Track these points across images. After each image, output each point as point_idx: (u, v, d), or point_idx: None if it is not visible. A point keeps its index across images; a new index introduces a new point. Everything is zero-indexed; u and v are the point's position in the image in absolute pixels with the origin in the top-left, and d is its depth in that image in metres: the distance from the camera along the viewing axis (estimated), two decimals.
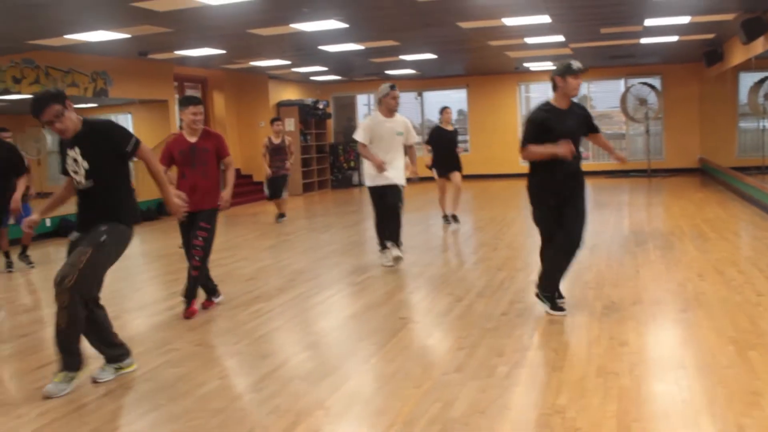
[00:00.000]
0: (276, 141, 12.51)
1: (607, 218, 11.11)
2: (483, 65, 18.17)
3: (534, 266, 7.40)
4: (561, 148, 5.36)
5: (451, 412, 3.79)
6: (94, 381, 4.58)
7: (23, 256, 9.40)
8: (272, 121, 12.74)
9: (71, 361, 4.44)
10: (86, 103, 14.52)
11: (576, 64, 5.45)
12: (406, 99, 20.53)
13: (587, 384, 4.11)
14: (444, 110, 11.26)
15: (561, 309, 5.61)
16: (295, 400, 4.14)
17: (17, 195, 8.34)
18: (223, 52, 13.11)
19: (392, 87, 7.94)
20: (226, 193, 6.27)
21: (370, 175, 7.95)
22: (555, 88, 5.52)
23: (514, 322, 5.52)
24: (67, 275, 4.27)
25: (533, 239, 9.42)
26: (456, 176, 10.95)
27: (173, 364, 4.92)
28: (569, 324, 5.38)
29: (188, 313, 6.16)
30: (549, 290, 5.67)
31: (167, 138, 12.87)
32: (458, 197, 11.07)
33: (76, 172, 4.50)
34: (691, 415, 3.60)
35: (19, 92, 11.89)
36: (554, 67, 5.55)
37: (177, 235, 6.67)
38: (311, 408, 3.99)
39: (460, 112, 21.66)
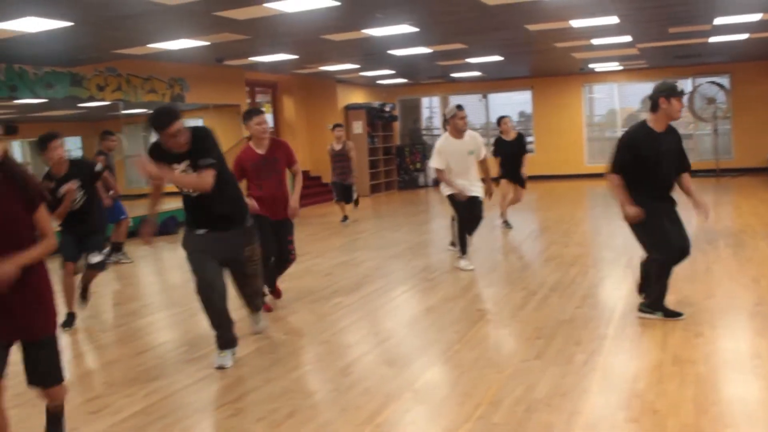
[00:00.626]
0: (337, 147, 12.84)
1: None
2: (548, 66, 18.22)
3: (605, 261, 7.53)
4: (630, 212, 5.20)
5: (534, 394, 4.01)
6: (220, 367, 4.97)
7: (120, 253, 10.01)
8: (333, 127, 13.08)
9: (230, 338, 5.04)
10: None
11: (680, 86, 5.28)
12: (471, 101, 20.71)
13: (664, 371, 4.28)
14: (501, 121, 11.18)
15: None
16: (384, 383, 4.41)
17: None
18: (296, 57, 13.49)
19: (459, 107, 7.92)
20: (294, 200, 6.41)
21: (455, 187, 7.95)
22: (655, 108, 5.23)
23: (588, 314, 5.69)
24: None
25: (602, 237, 9.57)
26: (521, 192, 10.96)
27: (266, 351, 5.24)
28: (644, 317, 5.53)
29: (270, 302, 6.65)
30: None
31: (240, 142, 13.34)
32: (512, 204, 11.06)
33: None
34: None
35: (102, 99, 12.47)
36: (657, 87, 5.28)
37: None
38: (400, 391, 4.25)
39: (522, 114, 21.75)
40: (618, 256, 7.94)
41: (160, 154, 4.69)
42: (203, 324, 5.72)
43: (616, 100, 20.46)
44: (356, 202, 13.74)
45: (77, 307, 6.52)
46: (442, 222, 8.27)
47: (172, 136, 4.55)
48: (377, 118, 19.61)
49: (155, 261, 10.60)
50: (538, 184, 18.23)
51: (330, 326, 5.88)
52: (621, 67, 18.98)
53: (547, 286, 6.85)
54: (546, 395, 3.98)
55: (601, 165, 5.90)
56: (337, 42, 11.60)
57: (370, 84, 20.21)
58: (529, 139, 19.87)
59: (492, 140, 11.58)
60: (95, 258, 6.40)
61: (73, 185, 6.14)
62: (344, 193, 12.94)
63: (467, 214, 7.90)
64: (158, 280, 9.49)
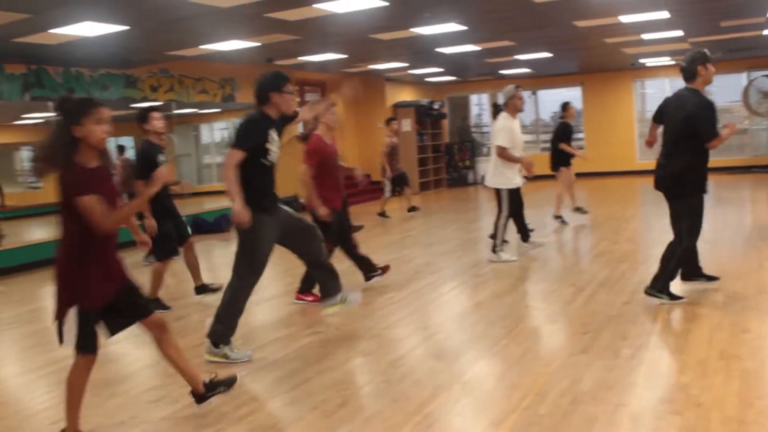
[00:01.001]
0: (395, 140, 13.14)
1: (729, 214, 11.02)
2: (598, 62, 18.11)
3: (654, 258, 7.53)
4: (731, 127, 5.57)
5: (580, 387, 4.09)
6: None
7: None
8: (389, 121, 13.33)
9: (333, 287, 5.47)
10: (213, 108, 15.40)
11: (710, 52, 5.56)
12: None
13: (709, 365, 4.32)
14: (567, 106, 11.36)
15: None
16: (433, 375, 4.53)
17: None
18: (345, 56, 13.68)
19: (517, 88, 8.22)
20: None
21: (507, 177, 8.15)
22: (694, 77, 5.52)
23: (636, 310, 5.73)
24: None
25: (653, 233, 9.53)
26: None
27: (318, 345, 5.40)
28: (691, 313, 5.55)
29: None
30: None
31: (291, 140, 13.58)
32: (567, 191, 11.23)
33: (275, 151, 5.09)
34: None
35: (155, 100, 12.80)
36: (692, 57, 5.55)
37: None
38: (449, 383, 4.37)
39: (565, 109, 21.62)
40: None
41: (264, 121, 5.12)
42: (257, 318, 5.90)
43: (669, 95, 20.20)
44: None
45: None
46: (491, 219, 8.36)
47: (289, 93, 5.18)
48: (426, 116, 19.71)
49: (207, 258, 10.86)
50: (589, 180, 18.14)
51: (381, 321, 6.02)
52: (673, 62, 18.74)
53: (596, 282, 6.89)
54: (591, 388, 4.06)
55: (653, 162, 5.93)
56: (386, 41, 11.75)
57: (419, 82, 20.31)
58: (579, 135, 19.77)
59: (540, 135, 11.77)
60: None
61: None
62: (405, 181, 13.52)
63: (518, 202, 8.29)
64: (211, 276, 9.74)
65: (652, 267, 6.83)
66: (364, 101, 19.06)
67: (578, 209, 11.40)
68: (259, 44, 11.23)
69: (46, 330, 6.29)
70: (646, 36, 13.33)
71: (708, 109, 5.44)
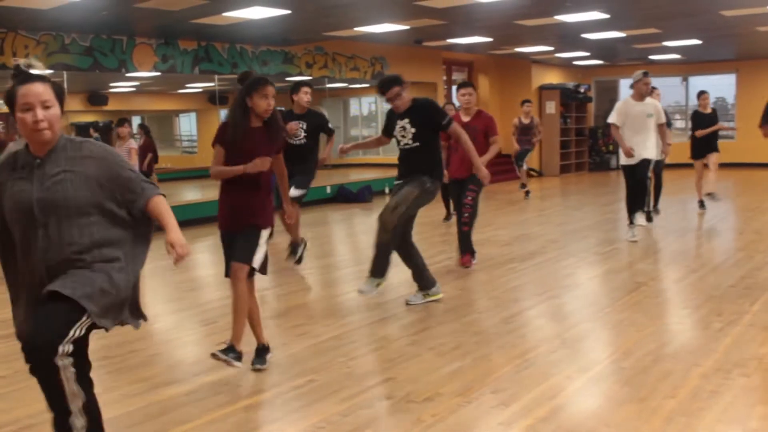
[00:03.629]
0: (525, 121, 13.65)
1: None
2: (754, 50, 17.70)
3: None
4: None
5: (664, 350, 4.65)
6: (407, 303, 6.05)
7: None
8: (522, 103, 13.88)
9: (377, 270, 5.95)
10: (364, 83, 16.35)
11: None
12: (671, 83, 20.46)
13: None
14: (702, 95, 11.52)
15: None
16: (537, 331, 5.21)
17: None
18: (490, 39, 14.24)
19: (645, 74, 8.72)
20: (482, 159, 6.88)
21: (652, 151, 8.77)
22: None
23: (740, 292, 6.11)
24: (399, 205, 5.72)
25: None
26: (712, 156, 11.18)
27: (441, 302, 6.15)
28: None
29: (463, 262, 7.45)
30: None
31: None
32: (714, 176, 11.27)
33: (404, 136, 5.91)
34: None
35: (310, 75, 13.81)
36: None
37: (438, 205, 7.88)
38: (550, 338, 5.03)
39: (720, 99, 21.19)
40: None
41: (391, 114, 6.04)
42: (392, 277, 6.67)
43: None
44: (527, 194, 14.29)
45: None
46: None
47: (390, 99, 5.86)
48: (571, 99, 19.91)
49: (349, 225, 11.83)
50: (737, 171, 17.87)
51: (500, 286, 6.70)
52: None
53: (710, 266, 7.28)
54: (674, 351, 4.61)
55: None
56: (530, 27, 12.22)
57: (566, 65, 20.49)
58: (730, 124, 19.41)
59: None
60: (296, 192, 7.49)
61: (298, 124, 7.60)
62: (521, 157, 14.03)
63: (632, 179, 8.71)
64: (351, 241, 10.67)
65: None
66: (509, 83, 19.50)
67: (701, 202, 11.38)
68: (408, 27, 11.99)
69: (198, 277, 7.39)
70: None
71: None
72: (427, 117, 5.87)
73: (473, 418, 3.69)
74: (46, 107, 2.81)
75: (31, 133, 2.83)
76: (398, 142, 6.01)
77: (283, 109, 7.63)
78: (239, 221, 4.50)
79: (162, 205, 3.08)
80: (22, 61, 2.90)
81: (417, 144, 5.87)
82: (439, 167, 5.97)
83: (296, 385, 4.28)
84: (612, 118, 8.72)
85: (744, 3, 10.51)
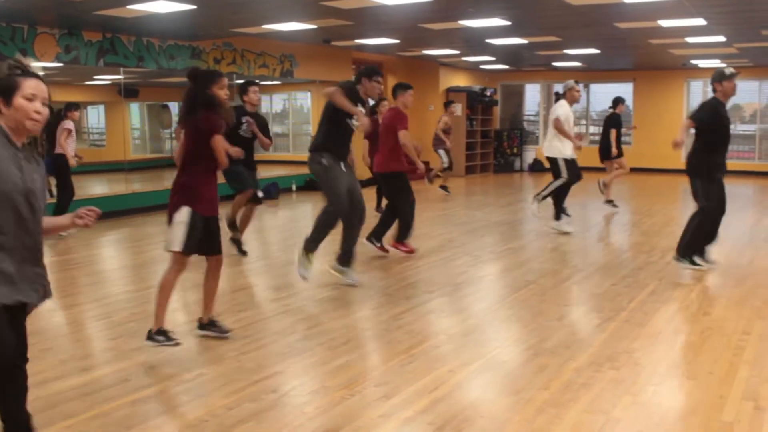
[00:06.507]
0: (450, 122, 14.32)
1: None
2: (649, 61, 18.48)
3: (658, 250, 8.16)
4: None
5: (543, 344, 4.89)
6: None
7: None
8: (449, 104, 14.61)
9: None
10: (272, 81, 16.37)
11: (728, 70, 6.76)
12: None
13: (661, 337, 5.05)
14: (624, 103, 12.60)
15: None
16: (426, 327, 5.40)
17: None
18: (397, 41, 14.45)
19: (576, 82, 9.66)
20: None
21: (560, 149, 9.38)
22: (714, 91, 6.84)
23: (620, 291, 6.44)
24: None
25: (668, 228, 10.14)
26: (623, 159, 12.20)
27: (337, 297, 6.28)
28: (667, 296, 6.25)
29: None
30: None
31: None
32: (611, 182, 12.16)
33: (355, 122, 6.38)
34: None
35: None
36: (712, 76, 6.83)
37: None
38: (437, 332, 5.23)
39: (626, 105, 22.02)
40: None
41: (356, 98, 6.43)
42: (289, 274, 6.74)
43: None
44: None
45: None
46: (525, 204, 9.26)
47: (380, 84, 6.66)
48: (477, 102, 20.34)
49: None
50: (633, 176, 18.60)
51: (395, 283, 6.87)
52: (724, 65, 19.01)
53: (596, 265, 7.63)
54: (553, 346, 4.85)
55: None
56: (436, 30, 12.46)
57: (473, 68, 20.92)
58: (628, 132, 20.22)
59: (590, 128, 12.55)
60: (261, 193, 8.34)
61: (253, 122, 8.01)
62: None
63: (574, 173, 9.36)
64: (256, 237, 10.69)
65: (653, 257, 7.54)
66: (418, 84, 19.76)
67: (609, 202, 12.03)
68: (315, 27, 12.06)
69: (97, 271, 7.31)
70: (690, 39, 13.74)
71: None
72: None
73: (355, 411, 3.81)
74: (44, 105, 2.96)
75: (27, 121, 2.91)
76: (348, 127, 6.42)
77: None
78: (215, 207, 4.93)
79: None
80: (25, 59, 3.02)
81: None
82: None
83: (185, 379, 4.33)
84: (558, 114, 9.39)
85: (636, 17, 10.98)
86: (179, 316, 5.68)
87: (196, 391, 4.15)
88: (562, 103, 9.56)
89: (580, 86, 9.86)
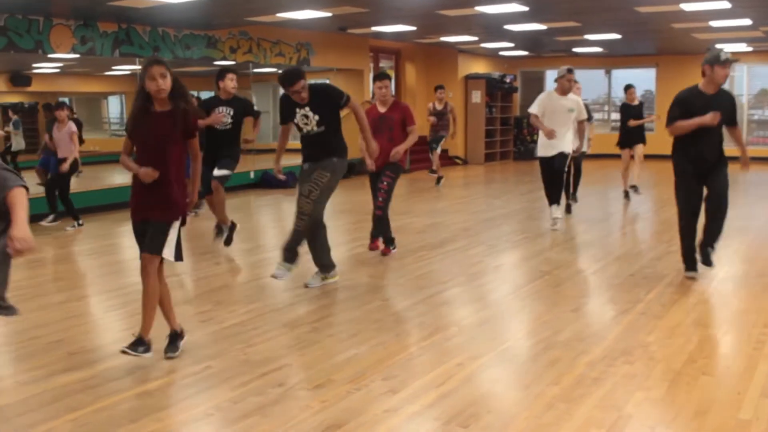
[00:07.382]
0: (439, 107, 13.92)
1: None
2: (672, 45, 18.17)
3: (678, 240, 8.01)
4: (707, 118, 5.96)
5: (556, 337, 4.78)
6: (306, 286, 6.16)
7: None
8: (436, 89, 14.22)
9: (291, 256, 6.03)
10: None
11: (724, 55, 6.00)
12: (594, 76, 20.92)
13: (679, 330, 4.94)
14: (628, 89, 11.86)
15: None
16: (438, 318, 5.30)
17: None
18: (414, 28, 14.31)
19: (569, 70, 8.96)
20: (399, 147, 7.22)
21: (542, 146, 8.92)
22: (703, 75, 6.09)
23: (637, 282, 6.31)
24: (312, 191, 5.84)
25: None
26: (638, 148, 11.56)
27: (349, 288, 6.22)
28: (686, 287, 6.12)
29: (372, 247, 7.58)
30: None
31: (363, 104, 14.33)
32: (639, 168, 11.67)
33: (306, 124, 5.95)
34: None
35: (234, 60, 13.67)
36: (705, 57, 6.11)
37: (360, 194, 7.95)
38: (448, 324, 5.14)
39: (648, 92, 21.73)
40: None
41: (287, 101, 6.00)
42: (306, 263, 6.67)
43: (744, 81, 20.16)
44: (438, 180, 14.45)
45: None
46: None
47: (295, 92, 5.82)
48: (497, 89, 20.15)
49: (273, 210, 11.78)
50: (655, 163, 18.34)
51: (408, 273, 6.78)
52: (750, 48, 18.66)
53: (613, 256, 7.50)
54: (566, 339, 4.75)
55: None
56: (453, 17, 12.32)
57: (493, 55, 20.71)
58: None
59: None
60: (219, 172, 7.60)
61: (224, 112, 7.61)
62: (435, 142, 14.16)
63: (549, 170, 8.90)
64: (274, 226, 10.66)
65: (672, 247, 7.38)
66: (436, 71, 19.62)
67: (626, 192, 11.78)
68: (330, 14, 11.96)
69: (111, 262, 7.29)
70: (714, 23, 13.49)
71: (673, 101, 6.37)
72: (326, 100, 5.95)
73: (360, 405, 3.74)
74: None
75: None
76: (300, 129, 6.07)
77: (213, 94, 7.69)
78: (148, 213, 4.43)
79: (17, 198, 3.01)
80: None
81: (322, 128, 5.95)
82: (343, 144, 6.12)
83: (191, 372, 4.28)
84: (533, 109, 8.88)
85: (656, 0, 10.78)
86: (188, 309, 5.65)
87: (202, 384, 4.10)
88: (548, 93, 9.11)
89: (599, 72, 9.55)
